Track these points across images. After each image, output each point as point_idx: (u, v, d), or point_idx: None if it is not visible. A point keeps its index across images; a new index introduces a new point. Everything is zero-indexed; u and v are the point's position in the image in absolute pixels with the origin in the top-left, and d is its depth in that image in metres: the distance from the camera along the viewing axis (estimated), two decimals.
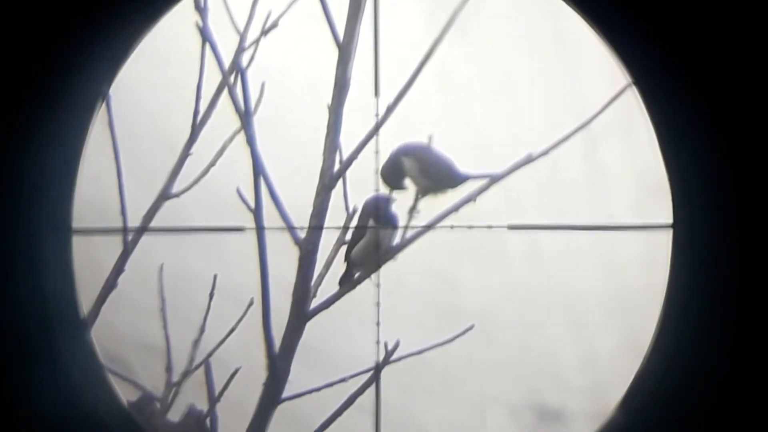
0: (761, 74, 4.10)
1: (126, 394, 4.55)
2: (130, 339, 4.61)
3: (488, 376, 4.56)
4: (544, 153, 4.56)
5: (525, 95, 4.57)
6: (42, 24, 4.15)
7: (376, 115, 4.60)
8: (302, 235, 4.65)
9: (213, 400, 4.65)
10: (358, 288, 4.67)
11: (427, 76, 4.62)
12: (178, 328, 4.66)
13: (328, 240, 4.67)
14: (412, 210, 4.66)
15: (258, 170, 4.63)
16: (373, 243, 4.64)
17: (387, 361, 4.57)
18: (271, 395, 4.63)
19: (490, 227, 4.53)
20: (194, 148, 4.68)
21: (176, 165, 4.68)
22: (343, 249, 4.69)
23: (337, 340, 4.63)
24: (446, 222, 4.61)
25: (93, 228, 4.52)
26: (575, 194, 4.53)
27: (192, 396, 4.67)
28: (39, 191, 4.24)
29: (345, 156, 4.65)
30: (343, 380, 4.61)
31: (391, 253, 4.64)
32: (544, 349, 4.54)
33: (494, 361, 4.55)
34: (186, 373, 4.67)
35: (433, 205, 4.66)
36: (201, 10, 4.62)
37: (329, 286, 4.68)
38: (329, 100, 4.63)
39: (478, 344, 4.54)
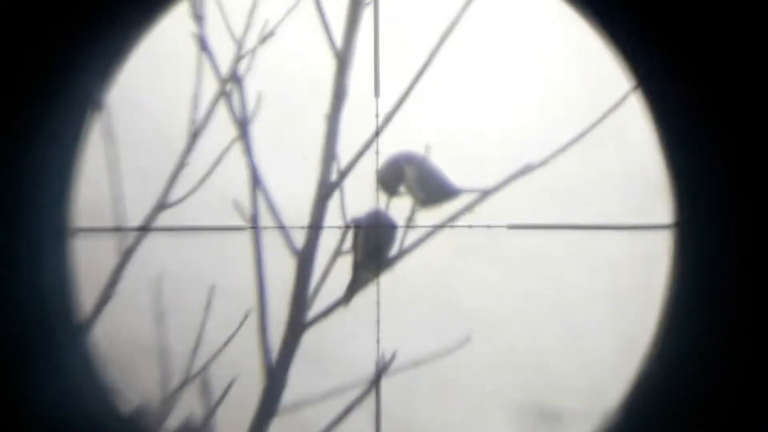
0: (762, 76, 4.10)
1: (126, 395, 4.55)
2: (130, 339, 4.61)
3: (488, 378, 4.55)
4: (543, 163, 4.56)
5: (526, 99, 4.58)
6: (41, 24, 4.15)
7: (376, 115, 4.60)
8: (299, 244, 4.65)
9: (210, 409, 4.64)
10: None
11: (427, 81, 4.63)
12: (175, 330, 4.66)
13: (325, 249, 4.67)
14: (409, 221, 4.66)
15: (255, 179, 4.63)
16: (373, 250, 4.64)
17: (384, 372, 4.57)
18: (269, 405, 4.63)
19: (489, 227, 4.53)
20: (192, 155, 4.68)
21: (173, 174, 4.68)
22: (343, 259, 4.69)
23: (337, 340, 4.63)
24: (446, 222, 4.61)
25: (93, 228, 4.53)
26: (576, 194, 4.52)
27: (189, 404, 4.66)
28: (39, 191, 4.24)
29: (342, 165, 4.66)
30: (340, 391, 4.61)
31: (392, 260, 4.64)
32: (544, 349, 4.53)
33: (494, 362, 4.54)
34: (183, 383, 4.66)
35: (429, 215, 4.66)
36: (198, 18, 4.63)
37: (327, 295, 4.68)
38: (327, 109, 4.64)
39: (477, 345, 4.54)
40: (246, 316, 4.62)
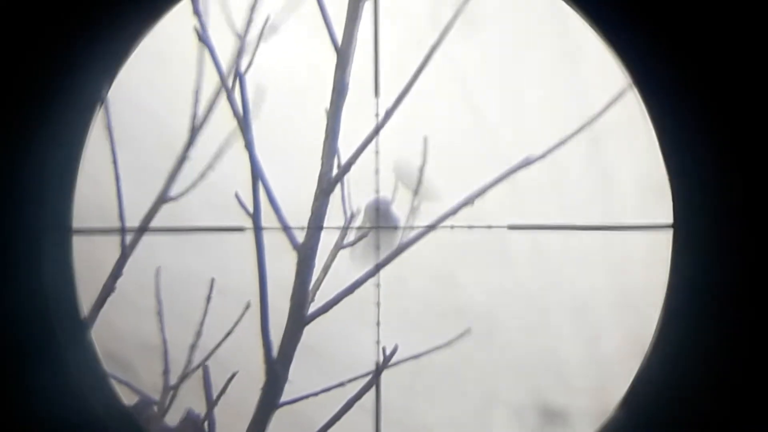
0: (762, 75, 4.09)
1: (125, 395, 4.55)
2: (130, 338, 4.62)
3: (490, 377, 4.56)
4: (542, 157, 4.56)
5: (525, 97, 4.57)
6: (42, 24, 4.14)
7: (376, 115, 4.60)
8: (300, 239, 4.65)
9: (211, 403, 4.65)
10: (358, 288, 4.67)
11: (428, 77, 4.62)
12: (177, 328, 4.67)
13: (326, 244, 4.67)
14: (413, 211, 4.66)
15: (256, 175, 4.63)
16: (373, 244, 4.65)
17: (385, 365, 4.57)
18: (270, 399, 4.63)
19: (490, 227, 4.53)
20: (193, 151, 4.69)
21: (174, 168, 4.68)
22: (342, 253, 4.69)
23: (337, 339, 4.63)
24: (446, 222, 4.61)
25: (93, 228, 4.52)
26: (576, 194, 4.53)
27: (190, 399, 4.67)
28: (39, 191, 4.23)
29: (343, 160, 4.65)
30: (341, 384, 4.61)
31: (392, 255, 4.65)
32: (546, 349, 4.54)
33: (495, 362, 4.55)
34: (183, 377, 4.67)
35: (432, 207, 4.66)
36: (199, 14, 4.63)
37: (328, 289, 4.68)
38: (327, 105, 4.63)
39: (479, 344, 4.54)
40: (247, 307, 4.63)
